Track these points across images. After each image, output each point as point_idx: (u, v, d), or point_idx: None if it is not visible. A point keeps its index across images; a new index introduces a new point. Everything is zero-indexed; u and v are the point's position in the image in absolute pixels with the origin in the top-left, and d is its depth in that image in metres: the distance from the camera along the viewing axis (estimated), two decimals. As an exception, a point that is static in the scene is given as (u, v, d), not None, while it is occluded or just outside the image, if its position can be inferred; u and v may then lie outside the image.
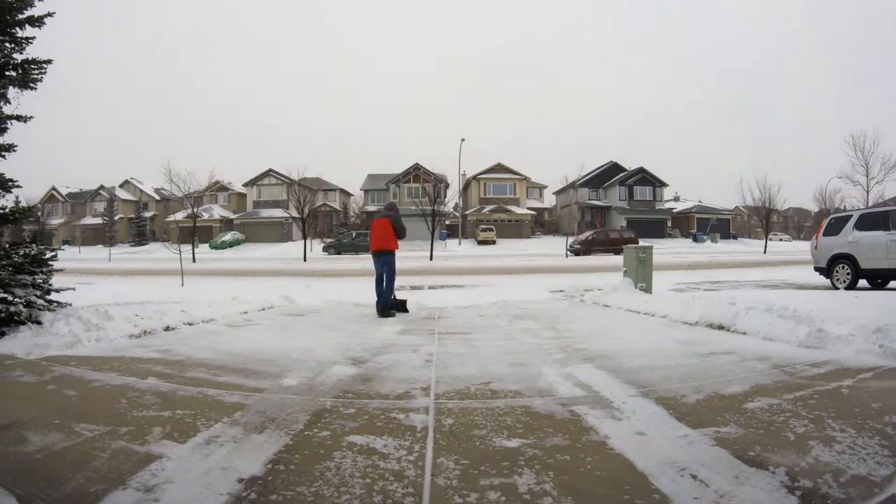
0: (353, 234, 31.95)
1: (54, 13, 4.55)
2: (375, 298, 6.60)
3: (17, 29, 4.49)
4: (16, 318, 4.03)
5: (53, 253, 4.66)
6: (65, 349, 3.82)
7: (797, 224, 63.54)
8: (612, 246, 26.02)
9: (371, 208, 44.00)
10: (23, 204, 20.31)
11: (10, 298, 4.01)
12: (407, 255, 26.56)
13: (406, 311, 6.76)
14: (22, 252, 4.36)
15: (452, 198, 35.19)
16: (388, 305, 6.50)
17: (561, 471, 1.75)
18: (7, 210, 4.51)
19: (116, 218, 44.02)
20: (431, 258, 23.69)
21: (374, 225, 6.79)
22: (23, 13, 4.48)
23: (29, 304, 4.19)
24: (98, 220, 44.18)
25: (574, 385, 2.86)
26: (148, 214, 45.79)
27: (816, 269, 9.37)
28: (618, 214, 41.14)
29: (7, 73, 4.47)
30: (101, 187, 46.38)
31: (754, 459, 1.76)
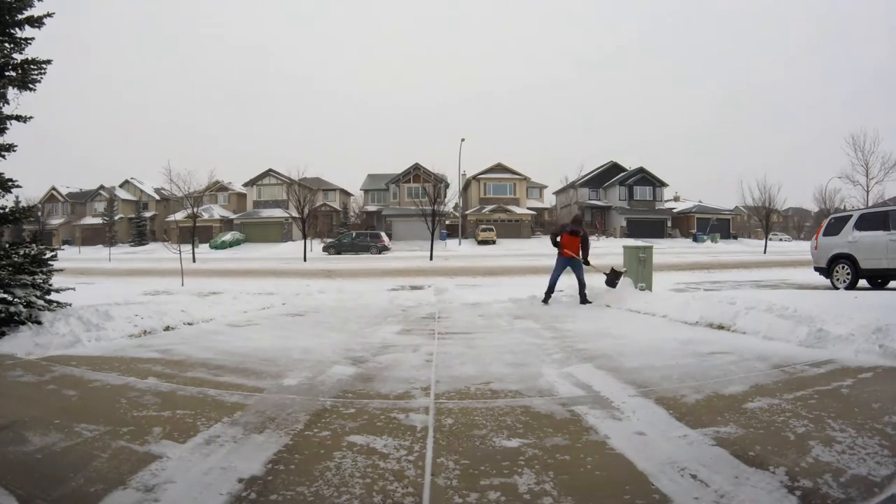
0: (353, 234, 31.88)
1: (53, 13, 4.55)
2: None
3: (17, 29, 4.49)
4: (16, 318, 4.03)
5: (53, 253, 4.66)
6: (65, 349, 3.82)
7: (797, 224, 63.45)
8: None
9: (371, 208, 43.94)
10: (23, 204, 20.37)
11: (10, 298, 4.01)
12: (407, 255, 26.57)
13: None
14: (22, 252, 4.36)
15: (452, 198, 35.18)
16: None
17: (561, 471, 1.75)
18: (7, 210, 4.51)
19: (116, 218, 43.97)
20: (431, 258, 23.67)
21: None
22: (22, 13, 4.48)
23: (29, 305, 4.19)
24: (98, 220, 44.11)
25: (574, 385, 2.86)
26: (148, 214, 45.74)
27: (816, 269, 9.36)
28: (618, 214, 41.11)
29: (7, 73, 4.47)
30: (101, 187, 46.34)
31: (754, 459, 1.76)
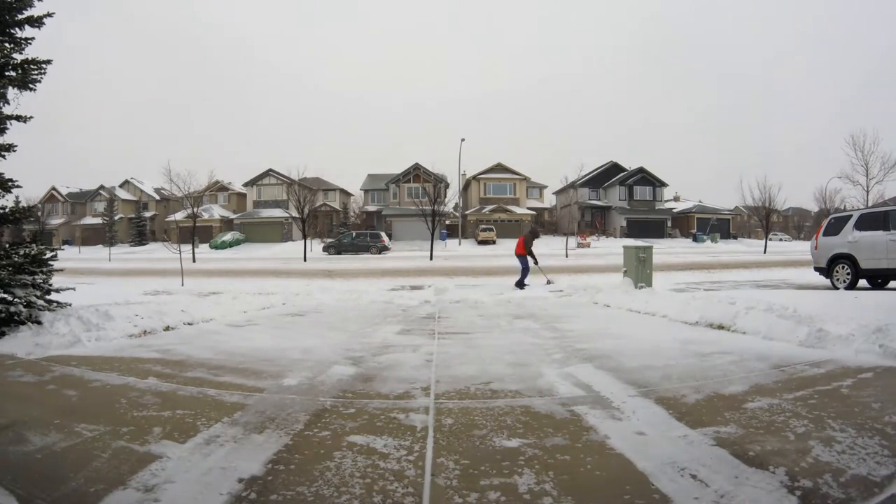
0: (353, 234, 31.85)
1: (54, 13, 4.55)
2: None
3: (17, 29, 4.49)
4: (16, 318, 4.03)
5: (53, 253, 4.66)
6: (65, 349, 3.82)
7: (797, 224, 63.43)
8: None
9: (371, 208, 43.92)
10: (23, 204, 20.30)
11: (10, 298, 4.01)
12: (407, 255, 26.56)
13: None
14: (22, 252, 4.36)
15: (452, 198, 35.13)
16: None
17: (561, 471, 1.75)
18: (7, 210, 4.51)
19: (116, 218, 43.94)
20: (431, 258, 23.66)
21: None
22: (22, 13, 4.48)
23: (29, 305, 4.19)
24: (98, 220, 44.08)
25: (574, 385, 2.86)
26: (148, 214, 45.73)
27: (816, 269, 9.35)
28: (618, 214, 41.11)
29: (7, 73, 4.47)
30: (101, 187, 46.33)
31: (754, 459, 1.76)
